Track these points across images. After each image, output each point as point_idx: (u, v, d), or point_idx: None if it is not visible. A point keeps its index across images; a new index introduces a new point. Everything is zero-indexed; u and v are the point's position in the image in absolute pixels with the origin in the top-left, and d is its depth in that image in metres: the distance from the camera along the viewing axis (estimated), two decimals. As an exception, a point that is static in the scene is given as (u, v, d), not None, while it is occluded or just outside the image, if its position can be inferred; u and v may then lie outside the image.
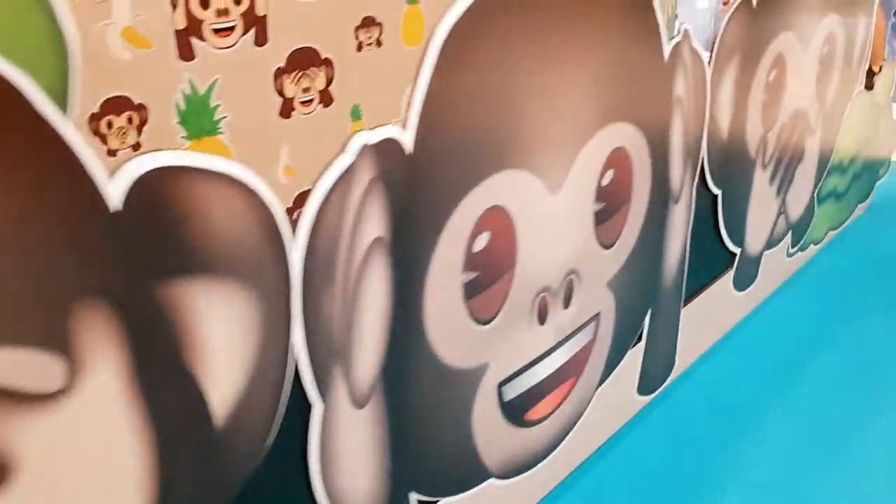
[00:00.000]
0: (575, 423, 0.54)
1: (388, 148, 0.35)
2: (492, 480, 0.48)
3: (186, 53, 0.54)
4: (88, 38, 0.48)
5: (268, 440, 0.34)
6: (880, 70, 0.86)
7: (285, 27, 0.60)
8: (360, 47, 0.64)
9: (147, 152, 0.27)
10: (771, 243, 0.75)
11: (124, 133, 0.52)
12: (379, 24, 0.64)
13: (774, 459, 0.58)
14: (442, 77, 0.37)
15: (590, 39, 0.45)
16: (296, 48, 0.61)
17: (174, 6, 0.52)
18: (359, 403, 0.37)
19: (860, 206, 0.94)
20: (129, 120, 0.52)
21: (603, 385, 0.56)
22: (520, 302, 0.45)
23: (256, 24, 0.57)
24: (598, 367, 0.55)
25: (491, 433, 0.47)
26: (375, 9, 0.64)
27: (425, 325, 0.40)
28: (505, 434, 0.48)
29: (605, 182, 0.49)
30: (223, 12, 0.55)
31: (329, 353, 0.35)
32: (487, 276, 0.43)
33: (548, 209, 0.45)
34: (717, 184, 0.62)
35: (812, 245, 0.84)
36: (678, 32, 0.53)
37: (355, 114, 0.64)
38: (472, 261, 0.41)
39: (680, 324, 0.63)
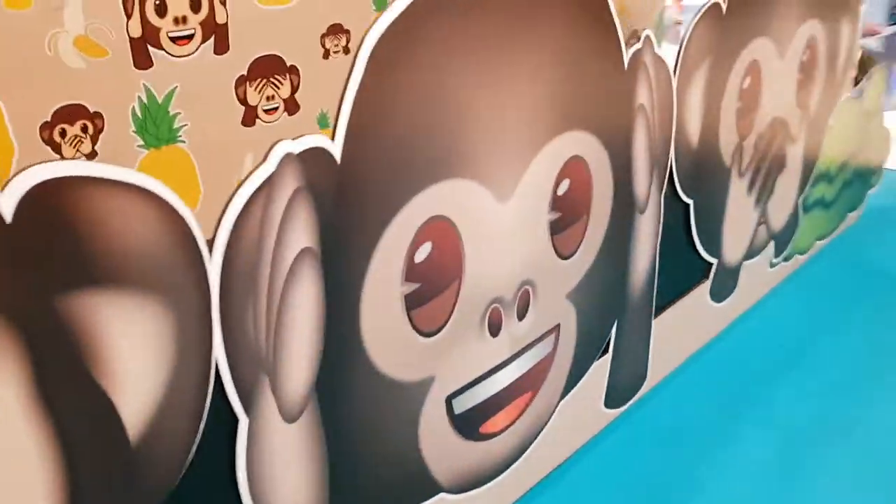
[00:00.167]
0: (535, 436, 0.53)
1: (315, 157, 0.34)
2: (443, 495, 0.47)
3: (143, 62, 0.54)
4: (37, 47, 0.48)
5: (189, 454, 0.33)
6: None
7: (247, 35, 0.59)
8: (326, 55, 0.63)
9: (40, 163, 0.26)
10: (751, 253, 0.74)
11: (79, 142, 0.52)
12: (346, 32, 0.64)
13: (744, 477, 0.57)
14: (373, 85, 0.36)
15: (541, 47, 0.44)
16: (259, 56, 0.60)
17: (129, 15, 0.52)
18: (290, 417, 0.37)
19: (851, 215, 0.92)
20: (84, 129, 0.52)
21: (566, 398, 0.55)
22: (469, 313, 0.45)
23: (216, 31, 0.57)
24: (560, 379, 0.54)
25: (441, 447, 0.46)
26: (342, 16, 0.63)
27: (363, 337, 0.39)
28: (457, 448, 0.47)
29: (560, 191, 0.48)
30: (181, 20, 0.55)
31: (254, 366, 0.35)
32: (431, 288, 0.42)
33: (497, 219, 0.45)
34: (688, 193, 0.61)
35: (798, 255, 0.83)
36: (643, 40, 0.52)
37: (322, 122, 0.64)
38: (413, 272, 0.41)
39: (651, 335, 0.62)
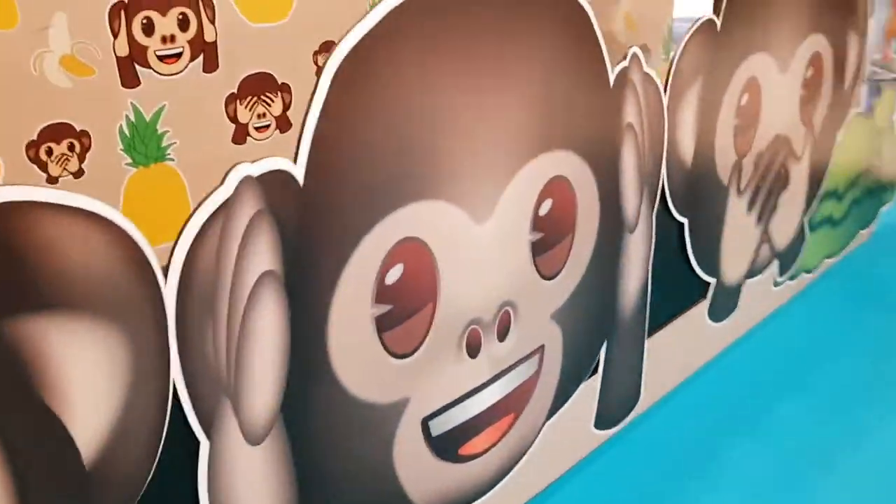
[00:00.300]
0: (520, 458, 0.53)
1: (276, 180, 0.34)
2: (421, 518, 0.47)
3: (130, 80, 0.54)
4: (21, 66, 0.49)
5: (147, 478, 0.33)
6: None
7: (238, 53, 0.59)
8: (319, 72, 0.63)
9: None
10: (753, 272, 0.72)
11: (66, 160, 0.52)
12: (339, 49, 0.64)
13: (739, 503, 0.56)
14: (338, 107, 0.36)
15: (519, 67, 0.44)
16: (249, 74, 0.60)
17: (115, 34, 0.52)
18: (254, 440, 0.36)
19: (862, 232, 0.91)
20: (71, 147, 0.53)
21: (553, 419, 0.54)
22: (445, 335, 0.44)
23: (205, 50, 0.57)
24: (545, 400, 0.53)
25: (418, 469, 0.46)
26: (335, 33, 0.63)
27: (331, 359, 0.39)
28: (435, 470, 0.47)
29: (542, 212, 0.48)
30: (169, 39, 0.55)
31: (215, 389, 0.34)
32: (404, 309, 0.42)
33: (474, 240, 0.44)
34: (681, 212, 0.60)
35: (805, 273, 0.82)
36: (630, 57, 0.51)
37: (315, 139, 0.64)
38: (384, 294, 0.40)
39: (644, 356, 0.61)
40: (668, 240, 0.61)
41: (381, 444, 0.43)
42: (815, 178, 0.77)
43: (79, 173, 0.51)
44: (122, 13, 0.52)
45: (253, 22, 0.58)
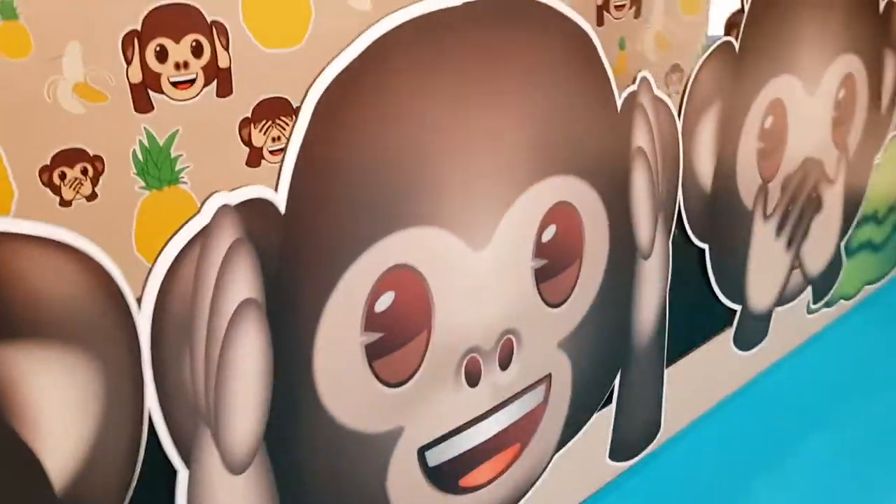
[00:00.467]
0: (527, 489, 0.51)
1: (255, 208, 0.34)
2: (419, 550, 0.46)
3: (143, 106, 0.55)
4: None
5: (123, 505, 0.33)
6: None
7: (252, 78, 0.60)
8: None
9: None
10: (783, 299, 0.70)
11: (79, 184, 0.53)
12: (356, 74, 0.64)
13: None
14: (322, 135, 0.36)
15: (518, 92, 0.43)
16: (263, 98, 0.61)
17: (129, 61, 0.53)
18: (235, 469, 0.36)
19: (907, 258, 0.87)
20: (84, 171, 0.53)
21: (563, 450, 0.53)
22: (441, 363, 0.43)
23: (219, 76, 0.58)
24: (554, 431, 0.52)
25: (414, 501, 0.45)
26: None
27: (317, 387, 0.39)
28: (434, 502, 0.46)
29: (546, 238, 0.47)
30: (182, 65, 0.56)
31: (193, 417, 0.34)
32: (396, 337, 0.41)
33: (471, 267, 0.43)
34: (701, 238, 0.59)
35: (843, 300, 0.79)
36: (639, 81, 0.50)
37: (331, 163, 0.64)
38: (374, 321, 0.40)
39: (663, 385, 0.59)
40: (688, 266, 0.60)
41: (373, 474, 0.42)
42: (852, 202, 0.75)
43: (92, 197, 0.52)
44: (136, 41, 0.53)
45: (267, 48, 0.58)
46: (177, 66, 0.55)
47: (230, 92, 0.59)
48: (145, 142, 0.55)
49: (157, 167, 0.56)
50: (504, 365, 0.47)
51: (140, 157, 0.55)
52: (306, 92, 0.35)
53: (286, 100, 0.62)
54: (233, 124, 0.60)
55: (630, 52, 0.89)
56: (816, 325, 0.76)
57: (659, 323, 0.57)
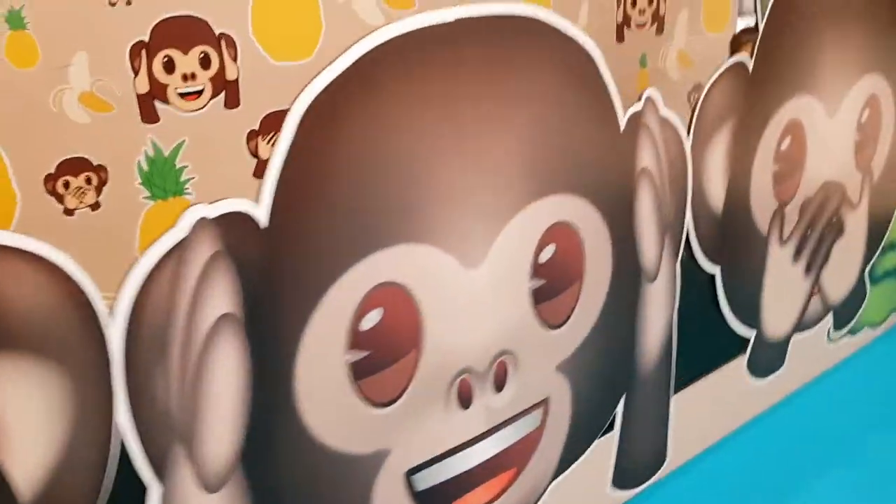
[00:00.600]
0: (523, 516, 0.50)
1: (235, 222, 0.34)
2: (406, 574, 0.45)
3: (150, 116, 0.55)
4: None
5: (92, 521, 0.33)
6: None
7: (260, 90, 0.60)
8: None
9: None
10: (802, 326, 0.68)
11: (82, 193, 0.53)
12: (366, 88, 0.64)
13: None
14: (307, 148, 0.35)
15: (516, 109, 0.43)
16: (271, 111, 0.61)
17: (136, 72, 0.53)
18: (210, 487, 0.36)
19: (937, 286, 0.84)
20: (88, 180, 0.54)
21: (562, 476, 0.52)
22: (431, 384, 0.43)
23: (227, 88, 0.58)
24: (552, 456, 0.51)
25: (401, 523, 0.44)
26: (362, 73, 0.63)
27: (299, 405, 0.38)
28: (422, 525, 0.45)
29: (544, 258, 0.46)
30: (190, 77, 0.56)
31: (166, 433, 0.34)
32: (383, 356, 0.40)
33: (463, 286, 0.43)
34: (712, 261, 0.57)
35: (868, 328, 0.76)
36: (644, 100, 0.49)
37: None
38: (360, 339, 0.39)
39: (670, 412, 0.58)
40: (698, 290, 0.58)
41: (357, 496, 0.42)
42: (877, 228, 0.72)
43: (95, 206, 0.52)
44: (143, 52, 0.53)
45: (277, 60, 0.58)
46: (184, 77, 0.55)
47: (238, 104, 0.59)
48: (150, 152, 0.55)
49: (162, 178, 0.56)
50: (498, 387, 0.46)
51: (145, 167, 0.55)
52: (291, 105, 0.35)
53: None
54: (240, 136, 0.59)
55: (652, 70, 0.88)
56: (838, 354, 0.73)
57: (665, 347, 0.55)
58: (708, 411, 0.61)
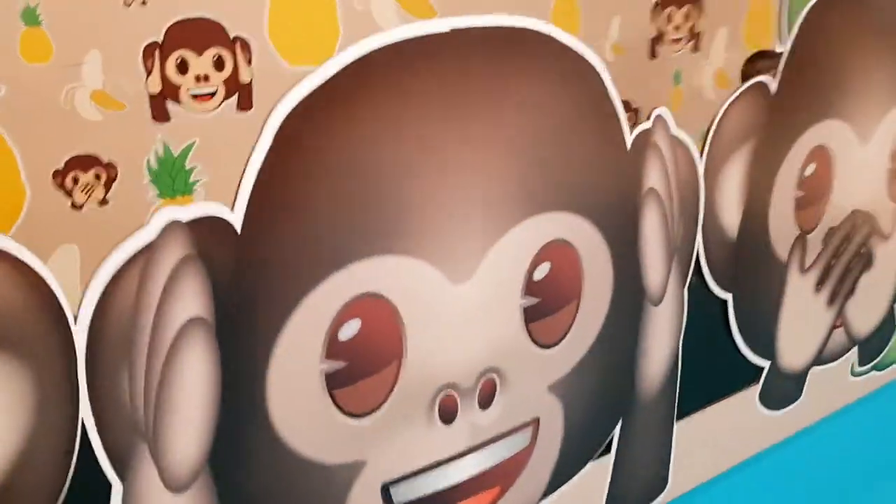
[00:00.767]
0: (508, 536, 0.49)
1: (209, 226, 0.34)
2: (380, 588, 0.44)
3: (161, 116, 0.56)
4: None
5: (53, 514, 0.33)
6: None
7: (274, 94, 0.60)
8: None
9: None
10: (822, 359, 0.65)
11: (91, 189, 0.54)
12: (383, 95, 0.63)
13: None
14: (285, 156, 0.35)
15: (511, 122, 0.42)
16: (286, 115, 0.61)
17: (149, 72, 0.54)
18: (175, 487, 0.36)
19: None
20: (97, 176, 0.54)
21: (552, 497, 0.51)
22: (411, 398, 0.42)
23: (240, 90, 0.58)
24: (541, 476, 0.50)
25: (377, 536, 0.43)
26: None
27: (271, 413, 0.38)
28: (399, 539, 0.44)
29: (538, 276, 0.45)
30: (203, 78, 0.56)
31: (130, 433, 0.34)
32: (361, 368, 0.40)
33: (449, 301, 0.42)
34: (724, 287, 0.56)
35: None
36: (654, 119, 0.48)
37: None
38: (337, 350, 0.39)
39: (673, 439, 0.56)
40: (709, 316, 0.57)
41: (331, 505, 0.41)
42: (910, 260, 0.69)
43: (103, 202, 0.53)
44: (157, 52, 0.54)
45: (292, 65, 0.58)
46: (197, 78, 0.56)
47: (251, 106, 0.59)
48: (160, 151, 0.56)
49: (171, 177, 0.56)
50: (484, 404, 0.45)
51: (154, 165, 0.56)
52: (271, 110, 0.35)
53: (309, 117, 0.62)
54: (251, 138, 0.60)
55: (686, 88, 0.86)
56: (862, 390, 0.71)
57: (670, 372, 0.54)
58: (716, 440, 0.60)
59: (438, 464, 0.44)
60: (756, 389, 0.61)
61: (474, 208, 0.42)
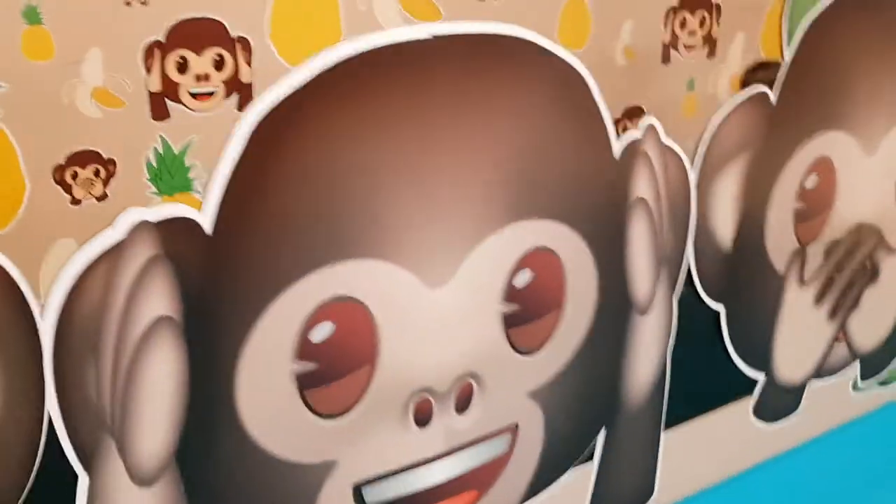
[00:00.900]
0: (485, 540, 0.49)
1: (178, 227, 0.34)
2: (351, 586, 0.45)
3: (160, 114, 0.57)
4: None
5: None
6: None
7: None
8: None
9: None
10: (822, 373, 0.64)
11: (90, 184, 0.56)
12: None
13: None
14: (257, 158, 0.36)
15: (491, 128, 0.42)
16: (285, 114, 0.61)
17: (149, 70, 0.55)
18: (142, 481, 0.36)
19: None
20: (96, 172, 0.56)
21: (529, 502, 0.51)
22: (385, 400, 0.42)
23: (240, 90, 0.59)
24: (519, 481, 0.50)
25: (348, 535, 0.44)
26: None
27: (240, 411, 0.38)
28: (372, 539, 0.45)
29: (519, 282, 0.45)
30: (203, 77, 0.57)
31: (96, 427, 0.35)
32: (333, 369, 0.40)
33: (425, 305, 0.42)
34: (715, 298, 0.55)
35: (903, 381, 0.72)
36: (645, 128, 0.48)
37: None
38: (309, 351, 0.39)
39: (658, 448, 0.56)
40: (701, 327, 0.56)
41: None
42: (918, 275, 0.68)
43: (102, 197, 0.54)
44: (157, 51, 0.55)
45: (293, 65, 0.59)
46: (197, 78, 0.57)
47: (250, 106, 0.60)
48: (160, 149, 0.57)
49: (170, 175, 0.57)
50: (461, 409, 0.45)
51: (154, 163, 0.57)
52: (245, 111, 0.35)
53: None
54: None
55: (700, 94, 0.85)
56: (865, 406, 0.69)
57: (657, 382, 0.54)
58: (706, 451, 0.59)
59: (412, 466, 0.45)
60: (750, 401, 0.61)
61: (453, 214, 0.42)
